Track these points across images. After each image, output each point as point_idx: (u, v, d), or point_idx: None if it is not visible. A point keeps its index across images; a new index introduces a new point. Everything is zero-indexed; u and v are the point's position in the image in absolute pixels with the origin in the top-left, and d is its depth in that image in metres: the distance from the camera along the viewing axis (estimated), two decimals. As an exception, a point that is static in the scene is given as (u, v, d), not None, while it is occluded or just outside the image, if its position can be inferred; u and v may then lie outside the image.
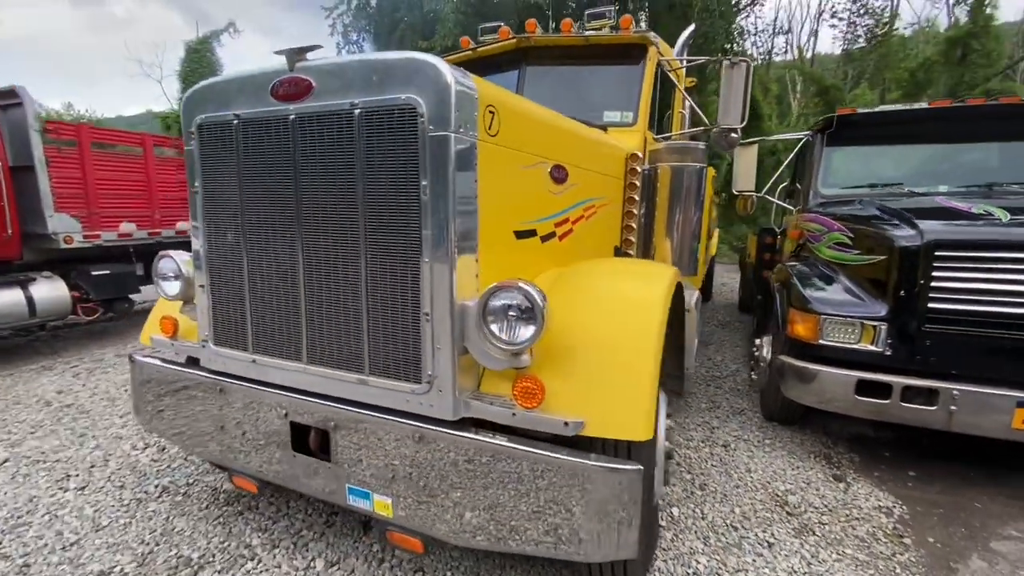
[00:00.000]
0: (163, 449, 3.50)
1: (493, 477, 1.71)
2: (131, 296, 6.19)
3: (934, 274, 2.83)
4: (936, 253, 2.82)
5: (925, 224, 2.92)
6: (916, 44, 20.66)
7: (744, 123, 3.33)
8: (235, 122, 2.00)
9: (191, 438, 2.40)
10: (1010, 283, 2.68)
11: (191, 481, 3.10)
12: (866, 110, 4.46)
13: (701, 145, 3.30)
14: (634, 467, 1.58)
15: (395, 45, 11.24)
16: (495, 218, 1.90)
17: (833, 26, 19.63)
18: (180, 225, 6.40)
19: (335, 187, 1.84)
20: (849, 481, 3.13)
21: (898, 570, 2.38)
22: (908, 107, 4.34)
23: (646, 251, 3.43)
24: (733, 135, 3.39)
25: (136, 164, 6.17)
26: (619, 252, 3.35)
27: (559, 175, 2.42)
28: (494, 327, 1.67)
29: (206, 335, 2.28)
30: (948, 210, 3.20)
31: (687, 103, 3.98)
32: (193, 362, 2.47)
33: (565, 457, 1.59)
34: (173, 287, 2.39)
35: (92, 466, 3.28)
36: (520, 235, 2.13)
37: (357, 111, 1.74)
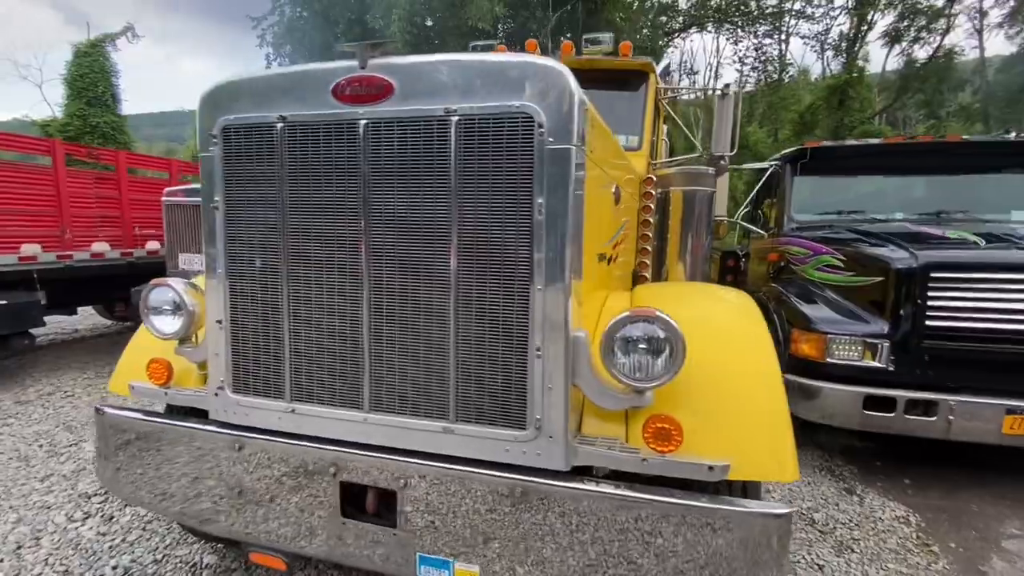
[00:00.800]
0: (110, 519, 2.87)
1: (617, 532, 1.51)
2: (32, 330, 5.19)
3: (930, 294, 3.05)
4: (932, 275, 3.04)
5: (919, 248, 3.15)
6: (797, 90, 23.45)
7: (735, 151, 3.46)
8: (280, 125, 1.68)
9: (189, 507, 1.94)
10: (997, 301, 2.94)
11: (159, 557, 2.54)
12: (831, 143, 4.85)
13: (710, 170, 3.36)
14: (789, 510, 1.45)
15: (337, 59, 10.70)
16: (589, 241, 1.74)
17: (739, 70, 21.68)
18: (96, 247, 5.52)
19: (419, 204, 1.58)
20: (859, 493, 3.25)
21: (940, 582, 2.46)
22: (867, 142, 4.80)
23: (659, 274, 3.41)
24: (723, 162, 3.52)
25: (42, 176, 5.24)
26: (636, 276, 3.29)
27: (617, 196, 2.31)
28: (622, 361, 1.49)
29: (221, 381, 1.87)
30: (926, 235, 3.50)
31: (666, 130, 4.11)
32: (186, 414, 2.03)
33: (727, 507, 1.42)
34: (171, 324, 1.96)
35: (18, 547, 2.59)
36: (599, 258, 1.98)
37: (454, 118, 1.52)
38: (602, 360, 1.51)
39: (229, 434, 1.84)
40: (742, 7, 19.17)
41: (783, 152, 4.92)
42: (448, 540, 1.65)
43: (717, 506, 1.42)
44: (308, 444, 1.76)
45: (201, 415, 1.96)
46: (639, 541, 1.49)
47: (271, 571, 2.36)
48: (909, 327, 3.09)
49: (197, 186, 5.54)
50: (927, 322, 3.07)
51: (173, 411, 2.21)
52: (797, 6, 19.98)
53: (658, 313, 1.46)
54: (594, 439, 1.61)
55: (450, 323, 1.59)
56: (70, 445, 3.84)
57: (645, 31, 15.57)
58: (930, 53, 21.06)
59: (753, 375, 1.63)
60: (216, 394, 1.88)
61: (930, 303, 3.05)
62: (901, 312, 3.13)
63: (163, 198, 5.06)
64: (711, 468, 1.46)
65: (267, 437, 1.81)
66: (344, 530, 1.76)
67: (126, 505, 3.03)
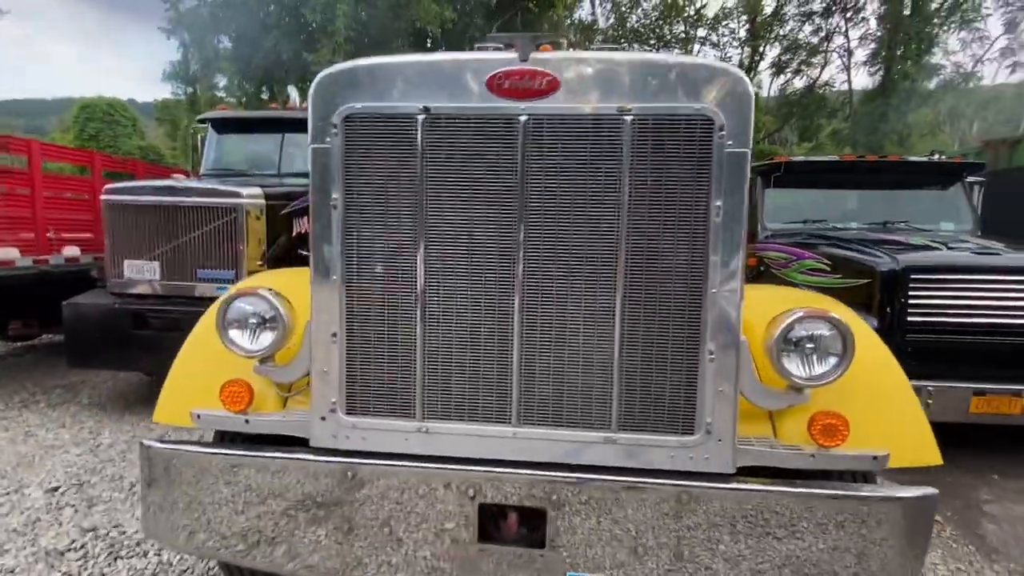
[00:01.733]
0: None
1: (785, 529, 1.54)
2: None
3: (911, 293, 3.47)
4: (912, 276, 3.46)
5: (897, 252, 3.58)
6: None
7: None
8: (421, 117, 1.53)
9: (276, 554, 1.68)
10: (968, 298, 3.41)
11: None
12: (801, 159, 5.36)
13: None
14: (934, 492, 1.57)
15: (266, 53, 9.96)
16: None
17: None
18: (68, 251, 4.66)
19: (585, 205, 1.52)
20: (856, 475, 3.59)
21: (955, 545, 2.78)
22: (831, 159, 5.37)
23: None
24: None
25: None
26: None
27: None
28: (787, 361, 1.53)
29: (332, 402, 1.64)
30: (893, 241, 3.97)
31: None
32: (255, 442, 1.77)
33: (897, 494, 1.50)
34: (260, 339, 1.69)
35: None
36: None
37: (628, 118, 1.48)
38: (773, 360, 1.54)
39: (340, 462, 1.63)
40: (656, 30, 20.68)
41: (755, 165, 5.36)
42: (601, 555, 1.59)
43: (890, 494, 1.50)
44: (442, 466, 1.61)
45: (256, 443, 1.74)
46: (800, 533, 1.53)
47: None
48: (894, 323, 3.49)
49: (156, 183, 4.90)
50: (908, 318, 3.48)
51: (225, 439, 1.92)
52: (703, 33, 21.84)
53: (830, 313, 1.52)
54: (748, 439, 1.64)
55: (615, 329, 1.54)
56: (5, 493, 3.17)
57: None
58: (808, 84, 24.04)
59: (883, 367, 1.75)
60: (324, 418, 1.66)
61: (911, 301, 3.47)
62: (887, 310, 3.52)
63: (105, 197, 4.37)
64: (875, 458, 1.55)
65: (388, 462, 1.63)
66: (481, 557, 1.62)
67: (117, 558, 2.56)
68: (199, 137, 6.38)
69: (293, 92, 6.69)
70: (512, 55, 1.51)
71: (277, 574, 1.73)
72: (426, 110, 1.53)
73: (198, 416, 1.74)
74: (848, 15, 22.16)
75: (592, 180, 1.51)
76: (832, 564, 1.53)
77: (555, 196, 1.53)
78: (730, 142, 1.48)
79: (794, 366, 1.53)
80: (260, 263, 4.46)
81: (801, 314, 1.52)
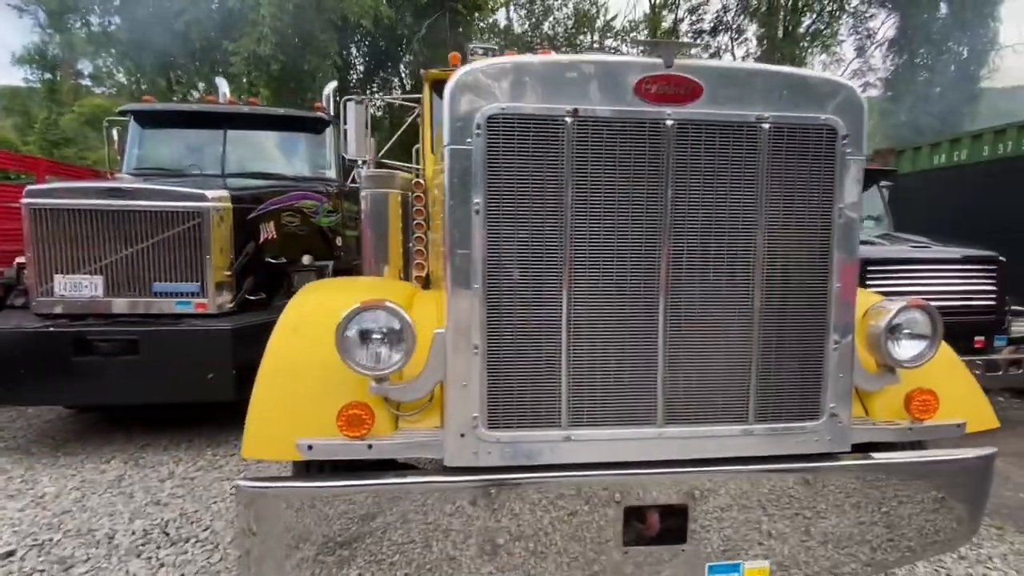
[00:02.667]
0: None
1: (886, 496, 1.72)
2: None
3: (867, 282, 3.97)
4: (867, 268, 3.96)
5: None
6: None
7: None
8: (569, 120, 1.50)
9: None
10: (909, 285, 3.98)
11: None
12: None
13: None
14: (995, 449, 1.83)
15: (172, 38, 8.84)
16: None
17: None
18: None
19: (724, 207, 1.58)
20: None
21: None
22: None
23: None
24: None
25: None
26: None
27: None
28: (893, 347, 1.72)
29: (474, 417, 1.55)
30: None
31: None
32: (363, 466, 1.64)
33: (970, 454, 1.74)
34: (385, 356, 1.55)
35: None
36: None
37: (766, 126, 1.56)
38: (880, 346, 1.71)
39: (484, 480, 1.55)
40: (570, 39, 21.45)
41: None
42: (738, 542, 1.67)
43: (979, 452, 1.74)
44: (589, 473, 1.59)
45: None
46: (897, 499, 1.72)
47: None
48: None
49: (100, 184, 4.16)
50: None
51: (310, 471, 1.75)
52: (613, 44, 23.03)
53: (924, 302, 1.72)
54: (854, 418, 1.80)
55: (754, 326, 1.62)
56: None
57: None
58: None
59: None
60: (463, 434, 1.56)
61: (868, 289, 3.98)
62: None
63: (27, 201, 3.65)
64: (958, 426, 1.78)
65: (534, 476, 1.57)
66: (625, 560, 1.63)
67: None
68: (114, 131, 5.59)
69: (223, 84, 6.05)
70: (656, 60, 1.53)
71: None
72: (575, 112, 1.50)
73: (309, 447, 1.55)
74: (732, 35, 24.64)
75: (732, 183, 1.58)
76: (925, 516, 1.74)
77: (698, 200, 1.57)
78: (849, 149, 1.62)
79: (899, 351, 1.72)
80: (228, 273, 4.02)
81: (904, 304, 1.71)
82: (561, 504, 1.58)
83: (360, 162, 4.04)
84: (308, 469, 1.76)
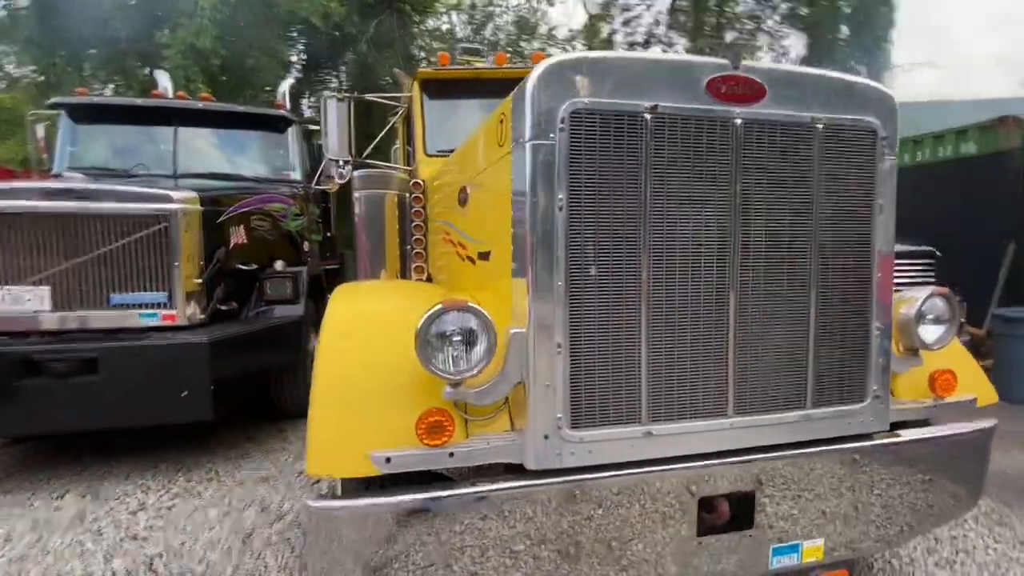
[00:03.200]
0: None
1: (921, 469, 1.86)
2: None
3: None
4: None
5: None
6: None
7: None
8: (648, 116, 1.51)
9: None
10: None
11: None
12: None
13: None
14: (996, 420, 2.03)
15: (93, 27, 7.95)
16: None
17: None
18: None
19: (784, 202, 1.66)
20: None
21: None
22: None
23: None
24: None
25: None
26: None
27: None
28: (923, 331, 1.87)
29: (558, 418, 1.52)
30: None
31: None
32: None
33: (985, 424, 1.92)
34: (469, 359, 1.49)
35: None
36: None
37: (819, 126, 1.66)
38: (911, 331, 1.85)
39: (563, 482, 1.52)
40: (513, 45, 21.63)
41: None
42: (799, 524, 1.75)
43: (989, 424, 1.92)
44: (667, 467, 1.61)
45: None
46: (931, 469, 1.87)
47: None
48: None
49: (46, 185, 3.65)
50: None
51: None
52: (555, 51, 23.44)
53: (945, 290, 1.89)
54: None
55: (810, 316, 1.71)
56: None
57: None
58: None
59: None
60: (547, 436, 1.52)
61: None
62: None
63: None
64: (972, 401, 1.96)
65: (611, 473, 1.57)
66: (699, 551, 1.67)
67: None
68: (39, 127, 5.00)
69: (163, 78, 5.56)
70: (723, 61, 1.58)
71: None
72: (654, 108, 1.52)
73: (387, 459, 1.45)
74: (664, 48, 25.93)
75: (790, 179, 1.66)
76: (950, 483, 1.90)
77: (762, 195, 1.64)
78: (887, 150, 1.75)
79: (927, 334, 1.87)
80: (198, 281, 3.69)
81: (931, 291, 1.87)
82: (641, 500, 1.58)
83: (341, 162, 3.85)
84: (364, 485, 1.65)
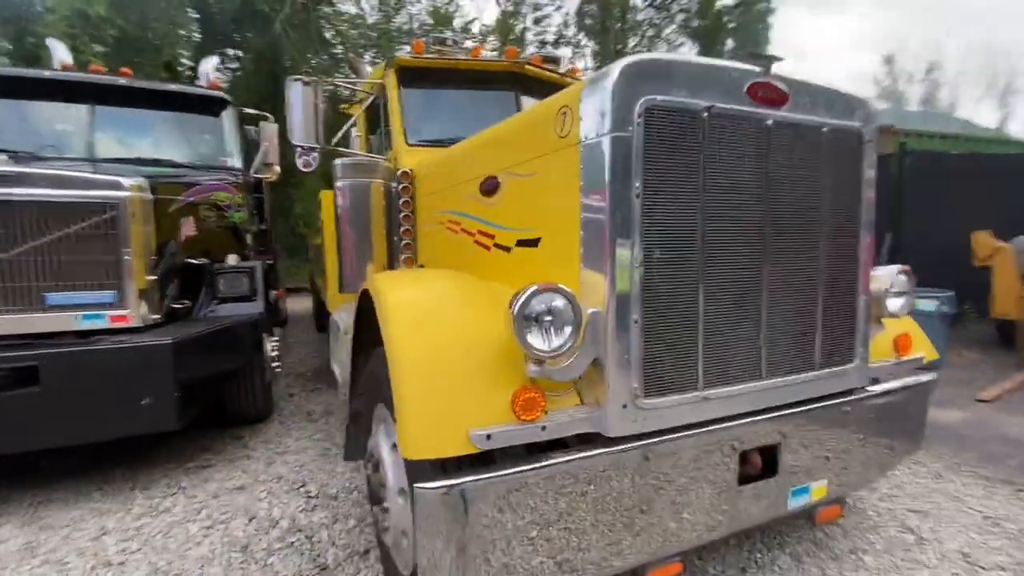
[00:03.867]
0: None
1: (886, 414, 2.27)
2: None
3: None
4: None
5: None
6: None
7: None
8: (704, 115, 1.70)
9: (589, 565, 1.63)
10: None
11: None
12: None
13: None
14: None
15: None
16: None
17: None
18: None
19: (801, 195, 1.93)
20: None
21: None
22: None
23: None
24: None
25: None
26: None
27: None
28: (891, 303, 2.26)
29: (634, 388, 1.66)
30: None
31: None
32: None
33: (932, 376, 2.37)
34: (559, 337, 1.57)
35: None
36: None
37: (825, 129, 1.95)
38: (883, 302, 2.23)
39: (636, 447, 1.68)
40: (427, 34, 21.19)
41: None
42: (810, 469, 2.06)
43: (934, 376, 2.37)
44: (724, 426, 1.83)
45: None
46: (894, 416, 2.29)
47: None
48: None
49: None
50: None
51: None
52: (471, 44, 23.27)
53: (907, 268, 2.29)
54: (857, 360, 2.31)
55: (819, 291, 2.01)
56: None
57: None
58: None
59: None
60: (625, 405, 1.66)
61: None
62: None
63: None
64: (922, 358, 2.40)
65: (678, 435, 1.75)
66: (739, 498, 1.91)
67: None
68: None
69: (58, 48, 4.80)
70: (756, 68, 1.81)
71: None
72: (710, 108, 1.70)
73: (487, 436, 1.51)
74: (573, 48, 26.93)
75: (803, 175, 1.94)
76: (910, 425, 2.33)
77: (782, 188, 1.89)
78: (868, 150, 2.09)
79: (894, 305, 2.26)
80: (151, 278, 3.33)
81: (899, 268, 2.26)
82: (697, 458, 1.78)
83: (305, 149, 3.65)
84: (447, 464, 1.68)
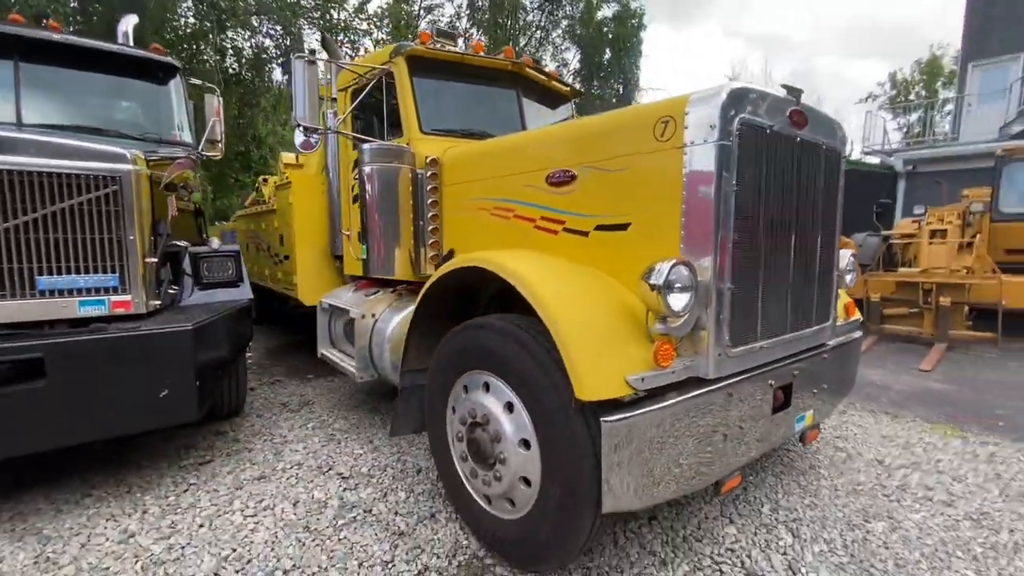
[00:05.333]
0: None
1: (843, 359, 3.07)
2: None
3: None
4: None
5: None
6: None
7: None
8: (768, 131, 2.23)
9: (694, 474, 2.11)
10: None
11: None
12: None
13: None
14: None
15: None
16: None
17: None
18: None
19: (807, 197, 2.57)
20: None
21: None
22: None
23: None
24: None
25: None
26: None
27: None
28: (846, 277, 3.04)
29: (727, 340, 2.15)
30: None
31: None
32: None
33: (861, 332, 3.21)
34: (682, 299, 1.99)
35: None
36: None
37: (824, 147, 2.61)
38: (843, 276, 3.00)
39: (724, 385, 2.19)
40: (321, 8, 19.70)
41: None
42: (809, 400, 2.75)
43: (858, 333, 3.22)
44: (765, 369, 2.40)
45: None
46: (852, 355, 3.11)
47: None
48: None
49: None
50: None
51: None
52: (365, 26, 22.18)
53: (858, 251, 3.10)
54: (823, 322, 3.08)
55: (816, 268, 2.68)
56: None
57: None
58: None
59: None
60: (720, 354, 2.14)
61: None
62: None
63: None
64: (859, 320, 3.25)
65: (741, 377, 2.29)
66: (772, 424, 2.53)
67: None
68: None
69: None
70: (791, 98, 2.39)
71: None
72: (771, 127, 2.24)
73: (642, 379, 1.89)
74: (466, 41, 27.14)
75: (810, 183, 2.57)
76: (851, 369, 3.16)
77: (801, 191, 2.51)
78: (843, 166, 2.82)
79: (847, 279, 3.05)
80: (152, 260, 3.06)
81: (850, 252, 3.05)
82: (755, 394, 2.34)
83: (304, 129, 3.60)
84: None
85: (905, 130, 28.67)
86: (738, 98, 2.09)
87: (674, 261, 1.95)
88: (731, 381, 2.20)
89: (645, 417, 1.86)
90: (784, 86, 2.38)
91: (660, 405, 1.91)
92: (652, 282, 1.92)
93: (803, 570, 2.35)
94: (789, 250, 2.46)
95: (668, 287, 1.94)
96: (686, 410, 2.00)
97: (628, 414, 1.83)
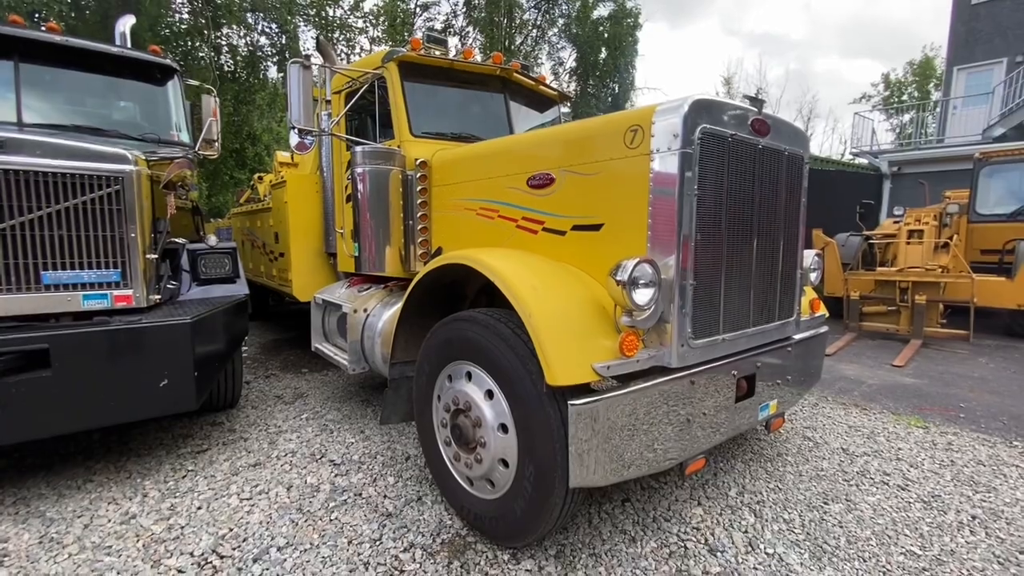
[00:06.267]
0: None
1: (807, 353, 3.26)
2: None
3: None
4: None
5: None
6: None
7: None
8: (730, 140, 2.41)
9: (656, 455, 2.29)
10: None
11: None
12: None
13: None
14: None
15: None
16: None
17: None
18: None
19: (769, 199, 2.75)
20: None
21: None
22: None
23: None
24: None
25: None
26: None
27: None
28: (812, 275, 3.23)
29: (689, 332, 2.33)
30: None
31: None
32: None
33: (826, 328, 3.41)
34: (645, 294, 2.16)
35: None
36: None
37: (786, 153, 2.79)
38: (807, 274, 3.19)
39: (689, 375, 2.37)
40: (319, 11, 19.67)
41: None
42: (771, 390, 2.94)
43: (827, 328, 3.41)
44: (725, 361, 2.58)
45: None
46: (815, 348, 3.30)
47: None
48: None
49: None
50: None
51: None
52: (361, 24, 22.19)
53: (822, 251, 3.28)
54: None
55: (779, 267, 2.86)
56: None
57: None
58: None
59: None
60: (683, 345, 2.32)
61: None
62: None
63: None
64: (825, 315, 3.44)
65: (704, 367, 2.47)
66: (736, 412, 2.71)
67: None
68: None
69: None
70: (753, 108, 2.57)
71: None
72: (733, 135, 2.41)
73: (607, 367, 2.06)
74: (461, 39, 27.24)
75: (772, 187, 2.75)
76: (810, 360, 3.36)
77: (763, 194, 2.69)
78: (807, 169, 3.00)
79: (812, 277, 3.24)
80: (153, 256, 3.21)
81: (815, 252, 3.24)
82: (719, 383, 2.52)
83: (299, 131, 3.75)
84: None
85: (898, 131, 29.06)
86: (701, 109, 2.27)
87: (639, 259, 2.12)
88: (694, 371, 2.38)
89: (609, 401, 2.04)
90: (747, 96, 2.56)
91: (624, 391, 2.09)
92: (618, 278, 2.09)
93: (761, 546, 2.54)
94: (751, 249, 2.64)
95: (633, 283, 2.11)
96: (649, 396, 2.18)
97: (593, 398, 2.00)
